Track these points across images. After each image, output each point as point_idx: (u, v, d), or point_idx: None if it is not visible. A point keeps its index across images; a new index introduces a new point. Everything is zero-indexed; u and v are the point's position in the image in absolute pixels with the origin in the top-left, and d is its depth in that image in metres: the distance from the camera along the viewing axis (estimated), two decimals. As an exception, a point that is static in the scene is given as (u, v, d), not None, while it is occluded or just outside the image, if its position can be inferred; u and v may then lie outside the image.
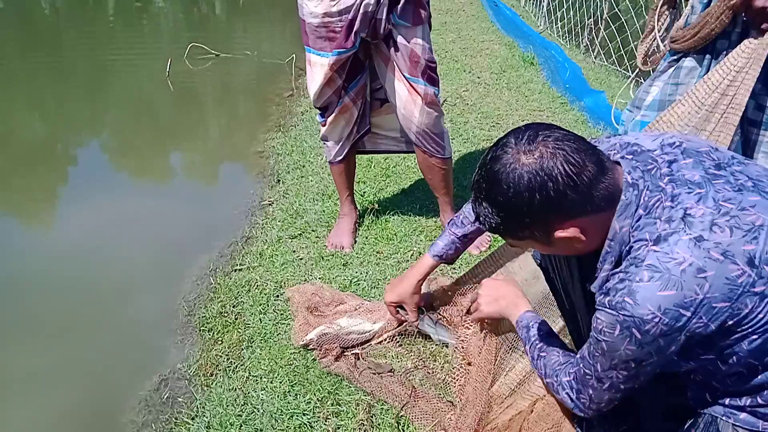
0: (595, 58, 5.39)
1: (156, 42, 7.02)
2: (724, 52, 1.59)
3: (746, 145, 1.68)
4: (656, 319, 1.00)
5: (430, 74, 2.20)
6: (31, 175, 3.70)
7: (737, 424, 1.14)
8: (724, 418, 1.16)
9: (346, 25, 2.07)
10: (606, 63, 5.24)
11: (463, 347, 1.80)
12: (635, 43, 4.85)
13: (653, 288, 1.00)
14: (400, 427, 1.62)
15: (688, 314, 1.00)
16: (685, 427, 1.25)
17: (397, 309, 1.85)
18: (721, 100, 1.54)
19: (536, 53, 5.00)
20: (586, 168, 1.04)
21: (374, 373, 1.78)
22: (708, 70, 1.67)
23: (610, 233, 1.09)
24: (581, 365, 1.22)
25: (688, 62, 1.69)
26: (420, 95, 2.19)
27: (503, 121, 3.69)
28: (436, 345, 1.89)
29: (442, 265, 1.89)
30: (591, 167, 1.04)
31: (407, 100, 2.22)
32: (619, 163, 1.13)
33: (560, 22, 6.22)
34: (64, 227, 3.13)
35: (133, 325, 2.29)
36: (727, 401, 1.15)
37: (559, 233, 1.09)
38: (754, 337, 1.02)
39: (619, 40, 5.10)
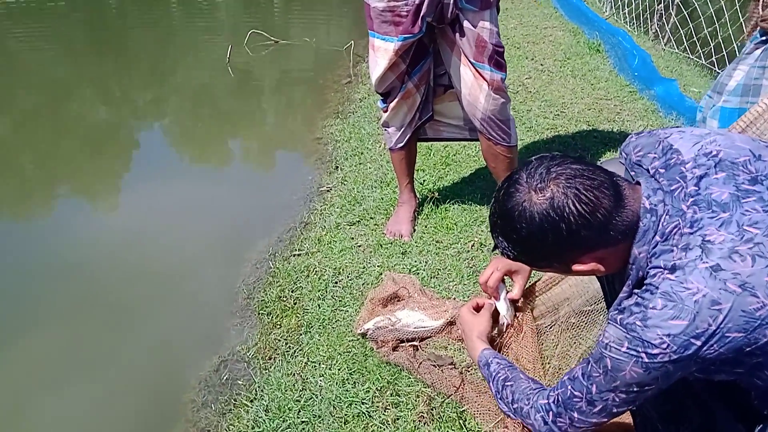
0: (665, 45, 5.16)
1: (217, 29, 7.12)
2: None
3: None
4: (664, 346, 0.98)
5: (497, 59, 2.12)
6: (97, 158, 3.81)
7: None
8: None
9: (413, 9, 2.02)
10: (677, 50, 5.00)
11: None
12: (708, 29, 4.61)
13: (665, 316, 0.98)
14: (461, 422, 1.58)
15: (699, 343, 0.96)
16: (757, 430, 1.17)
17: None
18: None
19: (602, 40, 4.82)
20: (601, 205, 1.03)
21: (434, 365, 1.74)
22: (802, 54, 1.55)
23: (631, 258, 1.07)
24: (569, 387, 1.18)
25: (780, 44, 1.57)
26: (486, 81, 2.12)
27: (568, 109, 3.57)
28: (500, 339, 1.83)
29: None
30: (606, 203, 1.03)
31: (473, 85, 2.15)
32: (639, 184, 1.09)
33: (627, 7, 5.97)
34: (128, 210, 3.20)
35: (193, 307, 2.32)
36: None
37: (577, 267, 1.10)
38: None
39: (691, 26, 4.86)
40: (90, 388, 2.01)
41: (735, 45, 4.21)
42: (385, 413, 1.64)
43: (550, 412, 1.23)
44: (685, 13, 5.03)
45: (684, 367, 1.00)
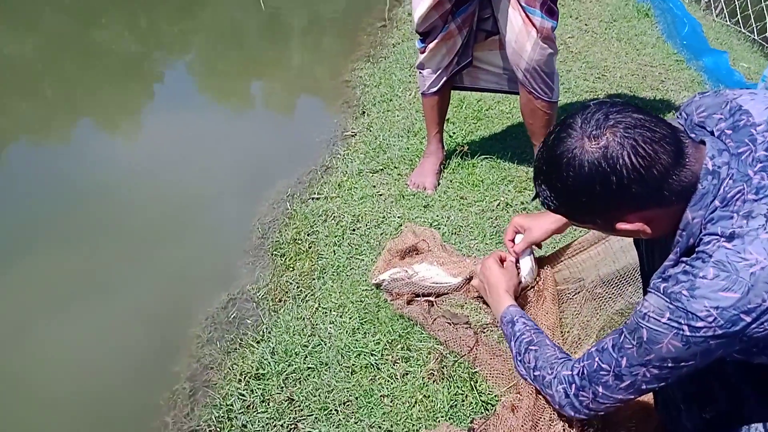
0: (716, 16, 4.90)
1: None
2: None
3: None
4: (710, 319, 0.90)
5: (550, 5, 1.98)
6: (120, 87, 3.72)
7: None
8: None
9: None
10: (729, 23, 4.75)
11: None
12: (766, 2, 4.35)
13: (716, 287, 0.89)
14: (472, 383, 1.52)
15: (748, 320, 0.88)
16: None
17: (514, 237, 1.71)
18: None
19: (652, 3, 4.58)
20: (659, 161, 0.94)
21: (448, 323, 1.67)
22: None
23: (682, 223, 0.98)
24: (597, 358, 1.10)
25: None
26: (536, 27, 1.98)
27: (610, 73, 3.40)
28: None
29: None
30: (665, 159, 0.94)
31: (521, 31, 2.01)
32: (704, 143, 0.99)
33: (681, -27, 5.67)
34: (149, 139, 3.14)
35: (206, 241, 2.27)
36: None
37: (622, 225, 1.02)
38: None
39: (748, -2, 4.60)
40: (95, 313, 1.98)
41: (793, 21, 3.97)
42: (395, 367, 1.58)
43: (573, 385, 1.16)
44: (742, -17, 4.75)
45: (727, 345, 0.93)
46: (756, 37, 4.40)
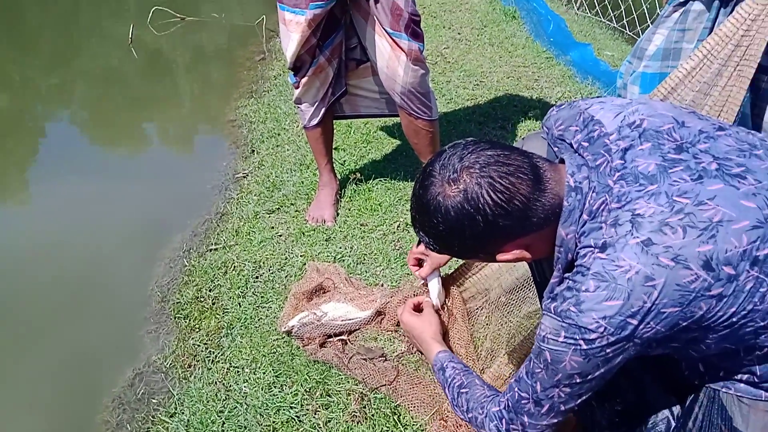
0: (577, 9, 5.20)
1: (118, 7, 6.66)
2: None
3: (756, 95, 1.55)
4: (601, 329, 0.93)
5: (414, 28, 2.02)
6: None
7: (739, 394, 1.05)
8: (723, 390, 1.08)
9: (323, -25, 1.88)
10: (589, 14, 5.05)
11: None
12: (618, -8, 4.67)
13: (599, 298, 0.93)
14: (395, 417, 1.50)
15: (635, 322, 0.92)
16: (688, 401, 1.16)
17: (419, 262, 1.71)
18: (735, 52, 1.40)
19: (518, 6, 4.80)
20: (518, 192, 0.98)
21: (364, 359, 1.65)
22: (717, 14, 1.52)
23: (558, 240, 1.02)
24: (516, 389, 1.12)
25: (697, 5, 1.54)
26: (404, 51, 2.02)
27: (487, 78, 3.52)
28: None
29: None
30: (524, 189, 0.98)
31: (390, 57, 2.04)
32: (563, 161, 1.04)
33: (540, -28, 5.98)
34: (31, 206, 2.96)
35: (103, 315, 2.14)
36: (721, 374, 1.07)
37: (502, 256, 1.06)
38: (719, 329, 0.94)
39: (602, -11, 4.91)
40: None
41: (644, 7, 4.27)
42: (316, 416, 1.54)
43: (503, 420, 1.16)
44: (595, -24, 5.07)
45: (622, 351, 0.96)
46: (615, 25, 4.71)
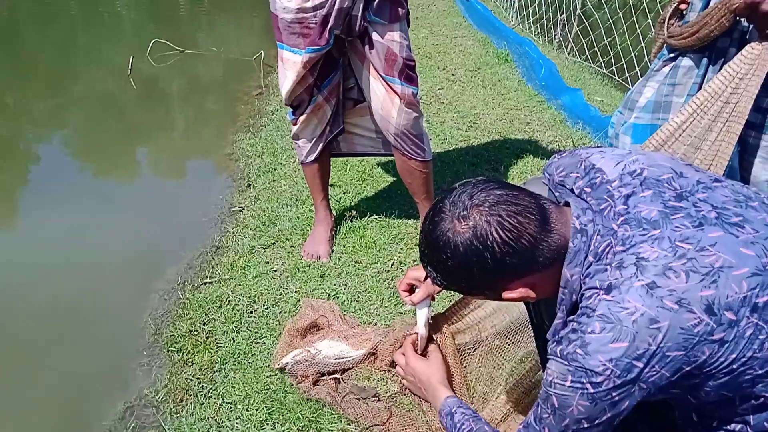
0: (568, 54, 5.34)
1: (117, 38, 6.76)
2: (725, 50, 1.51)
3: (744, 149, 1.61)
4: (608, 372, 0.95)
5: (408, 73, 2.08)
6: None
7: None
8: None
9: (320, 21, 1.95)
10: (579, 59, 5.19)
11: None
12: (608, 39, 4.81)
13: (604, 340, 0.94)
14: (388, 458, 1.51)
15: (641, 365, 0.94)
16: None
17: (411, 288, 1.68)
18: (724, 109, 1.45)
19: (510, 50, 4.93)
20: (526, 231, 1.01)
21: (357, 398, 1.66)
22: (706, 70, 1.59)
23: (562, 281, 1.05)
24: None
25: (686, 61, 1.60)
26: (398, 95, 2.08)
27: (480, 120, 3.60)
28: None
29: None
30: (531, 228, 1.01)
31: (384, 99, 2.10)
32: (568, 204, 1.08)
33: (532, 17, 6.16)
34: (21, 236, 2.94)
35: (94, 347, 2.13)
36: (715, 423, 1.09)
37: (507, 294, 1.08)
38: (720, 376, 0.96)
39: (592, 36, 5.06)
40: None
41: (633, 54, 4.40)
42: (308, 455, 1.54)
43: None
44: (586, 23, 5.23)
45: (628, 394, 0.97)
46: (605, 71, 4.84)
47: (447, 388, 1.53)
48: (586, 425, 1.01)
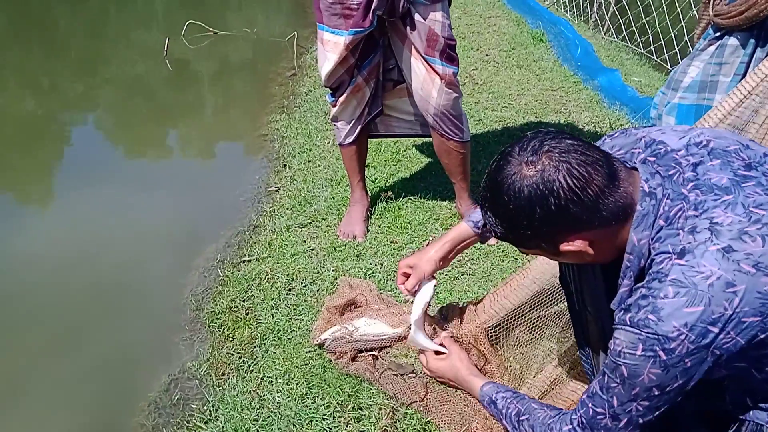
0: (604, 34, 5.25)
1: (151, 20, 6.83)
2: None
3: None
4: (682, 337, 0.93)
5: (449, 53, 2.08)
6: (26, 155, 3.58)
7: None
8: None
9: (364, 3, 1.95)
10: (617, 39, 5.09)
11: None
12: (647, 18, 4.71)
13: (679, 304, 0.93)
14: (426, 433, 1.54)
15: (716, 330, 0.92)
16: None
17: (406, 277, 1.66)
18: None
19: (545, 29, 4.86)
20: (593, 181, 0.99)
21: (395, 374, 1.69)
22: (754, 49, 1.55)
23: (628, 246, 1.02)
24: (589, 405, 1.12)
25: (732, 40, 1.57)
26: (439, 75, 2.08)
27: (515, 101, 3.57)
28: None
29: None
30: (599, 180, 0.99)
31: (425, 79, 2.10)
32: (636, 169, 1.05)
33: (568, -4, 6.05)
34: (63, 215, 3.02)
35: (138, 322, 2.20)
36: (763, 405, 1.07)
37: (565, 246, 1.05)
38: None
39: (630, 15, 4.95)
40: (30, 413, 1.87)
41: (672, 34, 4.30)
42: (348, 429, 1.58)
43: None
44: (623, 2, 5.12)
45: (701, 361, 0.95)
46: (642, 51, 4.74)
47: (478, 376, 1.53)
48: (656, 393, 1.00)
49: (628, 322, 0.99)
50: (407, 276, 1.64)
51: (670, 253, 0.97)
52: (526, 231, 1.06)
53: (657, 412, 1.04)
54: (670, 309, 0.93)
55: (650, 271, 1.00)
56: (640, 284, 1.01)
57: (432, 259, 1.61)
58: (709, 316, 0.92)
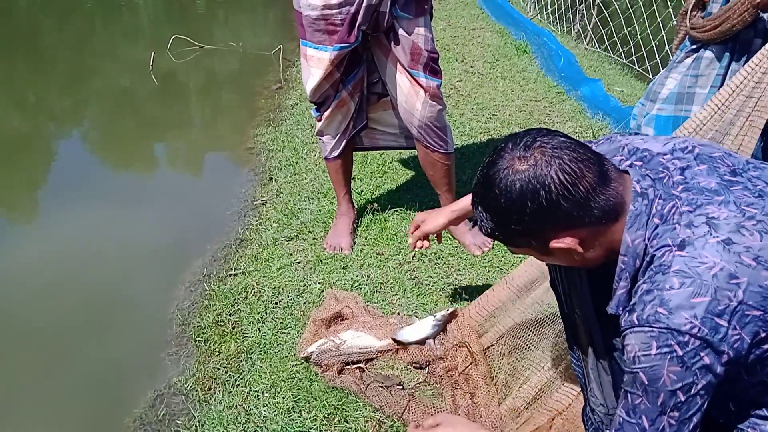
0: (587, 44, 5.31)
1: (137, 34, 6.83)
2: (749, 42, 1.51)
3: (766, 149, 1.61)
4: (695, 330, 0.91)
5: (433, 66, 2.10)
6: (10, 170, 3.56)
7: None
8: (749, 430, 1.07)
9: (349, 18, 1.97)
10: (599, 50, 5.16)
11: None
12: (628, 29, 4.77)
13: (686, 294, 0.91)
14: (412, 444, 1.54)
15: (725, 323, 0.91)
16: None
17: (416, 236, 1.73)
18: (746, 103, 1.45)
19: (529, 40, 4.91)
20: (584, 178, 0.98)
21: (381, 387, 1.70)
22: (729, 62, 1.59)
23: (622, 248, 1.02)
24: None
25: (708, 53, 1.61)
26: (423, 88, 2.10)
27: (499, 112, 3.60)
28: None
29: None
30: (590, 177, 0.99)
31: (409, 92, 2.12)
32: (627, 172, 1.06)
33: (550, 8, 6.12)
34: (47, 230, 3.00)
35: (124, 337, 2.18)
36: (751, 411, 1.07)
37: (555, 243, 1.04)
38: None
39: (612, 25, 5.02)
40: (14, 431, 1.86)
41: (653, 44, 4.37)
42: (335, 442, 1.58)
43: None
44: (605, 13, 5.19)
45: (717, 358, 0.92)
46: (624, 60, 4.80)
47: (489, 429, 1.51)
48: (682, 398, 0.95)
49: (637, 321, 0.96)
50: (417, 227, 1.70)
51: (670, 246, 0.96)
52: (516, 227, 1.05)
53: (691, 425, 0.98)
54: (678, 300, 0.92)
55: (651, 266, 0.99)
56: (640, 282, 1.00)
57: (438, 222, 1.66)
58: (716, 306, 0.91)
